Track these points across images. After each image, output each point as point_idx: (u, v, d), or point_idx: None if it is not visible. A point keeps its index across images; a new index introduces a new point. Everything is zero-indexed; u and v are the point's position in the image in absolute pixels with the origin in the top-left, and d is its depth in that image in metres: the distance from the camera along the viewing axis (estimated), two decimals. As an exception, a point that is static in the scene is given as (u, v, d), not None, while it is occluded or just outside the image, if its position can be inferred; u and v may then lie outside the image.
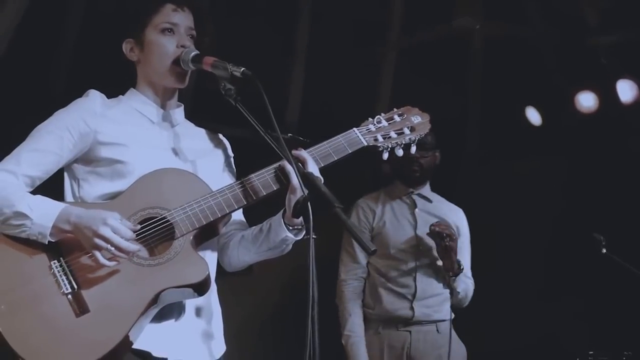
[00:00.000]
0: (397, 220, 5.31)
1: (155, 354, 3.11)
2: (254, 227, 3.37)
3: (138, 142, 3.25)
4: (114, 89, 3.44)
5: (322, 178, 3.12)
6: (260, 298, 6.98)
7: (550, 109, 7.20)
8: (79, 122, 3.22)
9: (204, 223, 3.12)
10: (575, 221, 6.74)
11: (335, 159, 3.29)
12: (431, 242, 5.18)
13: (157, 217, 3.11)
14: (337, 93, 6.58)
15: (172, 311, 3.14)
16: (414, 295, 5.17)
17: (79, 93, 3.37)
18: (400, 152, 3.41)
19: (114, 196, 3.17)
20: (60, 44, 6.27)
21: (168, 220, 3.10)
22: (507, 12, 7.11)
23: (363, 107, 6.85)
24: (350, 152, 3.32)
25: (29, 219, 3.03)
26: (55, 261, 3.05)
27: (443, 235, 5.02)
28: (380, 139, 3.38)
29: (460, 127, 7.70)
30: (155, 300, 3.03)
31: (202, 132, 3.52)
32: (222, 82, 3.13)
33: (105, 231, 2.97)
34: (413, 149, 3.45)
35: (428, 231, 5.13)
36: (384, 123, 3.42)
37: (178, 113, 3.44)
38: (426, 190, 5.43)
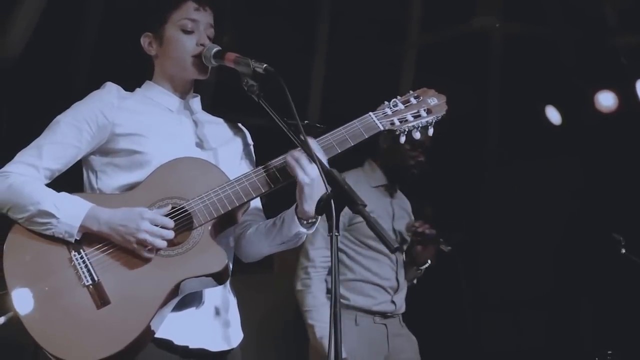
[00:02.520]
0: (377, 209, 5.07)
1: (176, 342, 3.12)
2: (267, 220, 3.34)
3: (156, 131, 3.25)
4: (134, 84, 3.45)
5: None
6: (282, 296, 6.96)
7: (570, 108, 7.20)
8: (97, 114, 3.23)
9: (222, 212, 3.11)
10: (595, 221, 6.73)
11: (352, 144, 3.24)
12: (406, 235, 5.15)
13: (175, 207, 3.11)
14: (358, 91, 6.57)
15: (191, 300, 3.15)
16: (395, 290, 5.08)
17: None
18: (417, 135, 3.34)
19: (132, 187, 3.18)
20: (80, 40, 6.30)
21: (186, 210, 3.10)
22: (527, 12, 7.11)
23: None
24: (366, 137, 3.26)
25: (55, 217, 3.04)
26: (76, 253, 3.06)
27: (425, 234, 5.03)
28: (397, 122, 3.31)
29: (480, 125, 7.70)
30: (175, 291, 3.04)
31: (220, 120, 3.52)
32: (244, 78, 3.11)
33: (147, 225, 3.00)
34: (430, 131, 3.37)
35: (399, 226, 5.12)
36: (401, 106, 3.34)
37: (195, 103, 3.46)
38: None
